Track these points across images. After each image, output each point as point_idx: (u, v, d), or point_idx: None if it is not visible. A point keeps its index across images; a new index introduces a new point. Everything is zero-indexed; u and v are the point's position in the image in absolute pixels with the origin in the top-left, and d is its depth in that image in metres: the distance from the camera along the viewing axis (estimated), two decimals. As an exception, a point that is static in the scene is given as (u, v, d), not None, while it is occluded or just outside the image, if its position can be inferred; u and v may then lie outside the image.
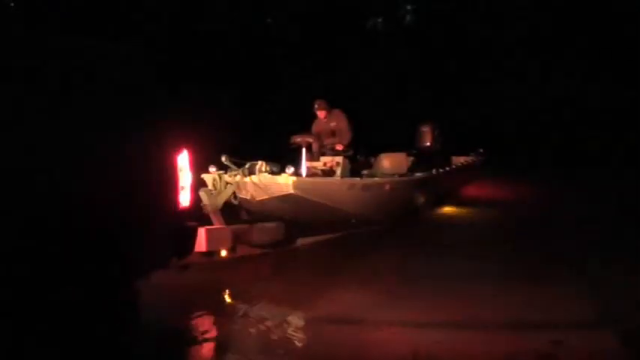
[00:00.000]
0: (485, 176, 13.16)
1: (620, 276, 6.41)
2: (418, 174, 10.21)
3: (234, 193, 7.48)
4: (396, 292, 6.16)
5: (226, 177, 7.86)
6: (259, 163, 8.24)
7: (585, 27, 17.05)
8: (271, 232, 7.78)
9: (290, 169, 8.09)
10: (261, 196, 8.20)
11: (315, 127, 10.07)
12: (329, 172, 8.91)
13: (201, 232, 6.93)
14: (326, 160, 9.20)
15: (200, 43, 15.23)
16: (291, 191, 8.04)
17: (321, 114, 9.98)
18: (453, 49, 17.64)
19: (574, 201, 11.16)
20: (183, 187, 6.63)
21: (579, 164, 14.97)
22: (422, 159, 10.75)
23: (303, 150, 8.86)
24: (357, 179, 9.11)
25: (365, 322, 5.36)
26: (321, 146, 9.63)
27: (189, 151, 6.62)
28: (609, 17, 16.99)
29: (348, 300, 6.00)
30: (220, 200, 7.42)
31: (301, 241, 8.25)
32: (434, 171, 10.67)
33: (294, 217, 8.55)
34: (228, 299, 6.32)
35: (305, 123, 10.15)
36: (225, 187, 7.67)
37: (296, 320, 5.53)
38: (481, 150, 13.41)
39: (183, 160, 6.64)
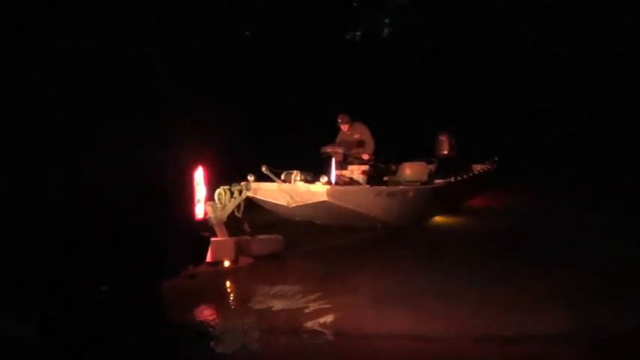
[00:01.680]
0: (498, 184, 13.42)
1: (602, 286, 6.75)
2: (438, 181, 10.99)
3: (238, 206, 7.99)
4: (385, 302, 6.54)
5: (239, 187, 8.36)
6: (294, 172, 9.35)
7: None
8: (272, 244, 8.23)
9: (324, 179, 9.12)
10: (296, 203, 9.23)
11: (339, 139, 11.04)
12: (356, 180, 9.97)
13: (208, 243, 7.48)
14: (353, 169, 10.26)
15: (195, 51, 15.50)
16: (325, 198, 9.06)
17: (344, 127, 11.02)
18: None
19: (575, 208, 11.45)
20: (199, 200, 7.25)
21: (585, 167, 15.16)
22: (441, 167, 11.53)
23: (333, 160, 9.78)
24: (383, 187, 10.10)
25: (353, 331, 5.73)
26: (348, 156, 10.59)
27: (204, 167, 7.26)
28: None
29: (336, 309, 6.42)
30: (225, 213, 7.87)
31: (301, 252, 8.67)
32: (452, 179, 11.34)
33: (326, 221, 9.68)
34: (230, 303, 6.91)
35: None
36: (230, 201, 8.10)
37: (283, 325, 6.01)
38: (495, 158, 13.86)
39: (199, 175, 7.27)
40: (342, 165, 10.39)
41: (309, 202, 9.22)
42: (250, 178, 9.43)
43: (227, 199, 7.71)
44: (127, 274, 5.39)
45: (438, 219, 10.87)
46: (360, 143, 10.81)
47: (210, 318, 6.39)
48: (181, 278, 6.99)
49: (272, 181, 9.61)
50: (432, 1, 18.91)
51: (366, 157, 10.71)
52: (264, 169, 9.49)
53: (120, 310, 5.34)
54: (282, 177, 9.54)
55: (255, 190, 9.65)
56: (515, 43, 17.95)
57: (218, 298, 6.88)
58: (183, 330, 6.00)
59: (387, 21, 19.62)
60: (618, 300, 6.27)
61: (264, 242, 8.09)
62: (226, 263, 7.65)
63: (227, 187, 7.71)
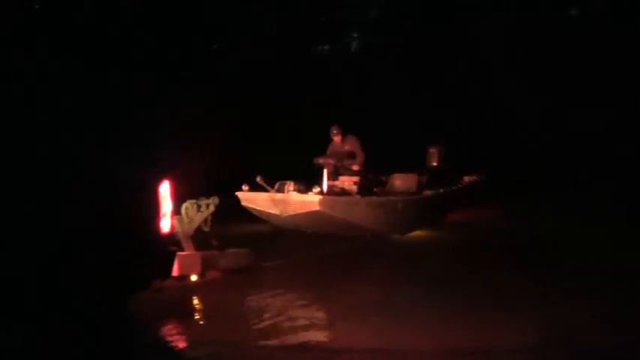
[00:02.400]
0: (486, 197, 13.40)
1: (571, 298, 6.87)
2: (427, 192, 11.20)
3: (205, 220, 8.00)
4: (354, 315, 6.52)
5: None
6: (288, 182, 9.82)
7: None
8: (240, 257, 8.20)
9: (316, 189, 9.55)
10: (289, 213, 9.64)
11: (331, 149, 11.27)
12: (347, 190, 10.29)
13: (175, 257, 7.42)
14: (344, 180, 10.54)
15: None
16: (317, 208, 9.44)
17: (337, 138, 11.24)
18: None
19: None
20: (164, 214, 7.28)
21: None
22: (431, 178, 11.75)
23: (325, 171, 10.20)
24: (374, 198, 10.43)
25: (319, 344, 5.82)
26: (339, 167, 10.83)
27: (170, 181, 7.28)
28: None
29: (304, 322, 6.39)
30: (191, 227, 7.78)
31: (269, 265, 8.67)
32: (441, 190, 11.52)
33: (318, 231, 9.91)
34: (195, 318, 6.83)
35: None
36: (196, 215, 8.10)
37: (248, 340, 5.99)
38: (484, 170, 13.88)
39: (164, 189, 7.31)
40: (333, 176, 10.66)
41: (302, 211, 9.59)
42: (245, 188, 10.20)
43: (194, 212, 7.69)
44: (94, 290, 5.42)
45: (419, 232, 10.91)
46: (351, 155, 11.03)
47: (174, 332, 6.32)
48: (147, 293, 7.07)
49: (266, 191, 10.09)
50: (403, 15, 18.88)
51: (356, 168, 10.91)
52: (258, 179, 10.06)
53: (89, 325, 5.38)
54: (276, 187, 10.02)
55: (250, 200, 10.21)
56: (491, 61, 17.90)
57: (183, 313, 6.80)
58: (148, 345, 5.94)
59: (355, 35, 19.74)
60: (588, 312, 6.41)
61: (233, 256, 8.07)
62: (193, 277, 7.59)
63: (194, 200, 7.68)
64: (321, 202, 9.51)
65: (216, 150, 13.08)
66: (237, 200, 10.30)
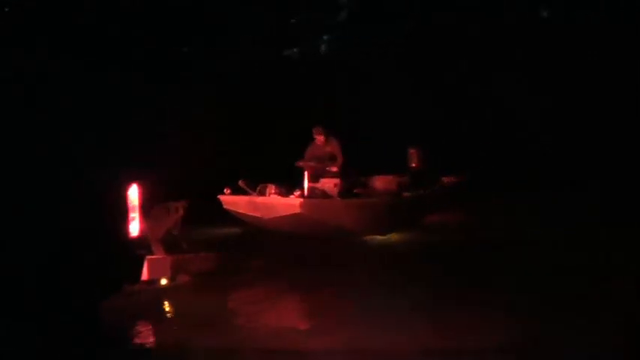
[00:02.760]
0: (466, 199, 13.23)
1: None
2: (406, 194, 11.12)
3: (175, 223, 7.97)
4: (324, 317, 6.63)
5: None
6: (269, 185, 10.06)
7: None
8: (209, 261, 8.22)
9: (297, 192, 9.89)
10: (270, 215, 9.85)
11: (311, 151, 11.20)
12: (328, 193, 10.23)
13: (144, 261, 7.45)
14: (325, 182, 10.43)
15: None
16: (298, 211, 9.70)
17: (320, 138, 11.15)
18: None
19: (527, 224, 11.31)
20: (133, 218, 7.27)
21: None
22: (412, 180, 11.66)
23: (306, 173, 10.28)
24: (354, 199, 10.40)
25: (289, 346, 5.80)
26: (320, 170, 10.82)
27: (139, 184, 7.27)
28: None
29: (273, 325, 6.45)
30: (161, 231, 7.77)
31: (240, 268, 8.62)
32: (421, 191, 11.49)
33: (299, 233, 9.92)
34: (164, 322, 6.76)
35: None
36: (167, 219, 8.02)
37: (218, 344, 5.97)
38: (465, 171, 13.65)
39: (133, 193, 7.29)
40: (314, 178, 10.59)
41: (283, 214, 9.79)
42: (227, 191, 10.32)
43: (164, 216, 7.67)
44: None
45: (394, 235, 10.78)
46: (332, 157, 11.03)
47: (144, 336, 6.32)
48: (117, 297, 7.06)
49: (248, 194, 10.24)
50: (372, 17, 18.70)
51: (334, 169, 10.91)
52: (240, 182, 10.20)
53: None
54: (258, 190, 10.19)
55: (232, 203, 10.34)
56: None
57: (153, 317, 6.75)
58: (119, 350, 5.94)
59: (325, 37, 19.62)
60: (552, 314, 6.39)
61: (203, 259, 8.06)
62: (163, 281, 7.58)
63: (164, 204, 7.67)
64: (301, 205, 9.70)
65: (206, 151, 13.14)
66: (216, 203, 10.30)
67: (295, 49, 18.83)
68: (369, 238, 10.40)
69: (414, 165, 12.14)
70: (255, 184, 10.28)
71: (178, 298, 7.37)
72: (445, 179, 12.77)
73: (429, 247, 10.09)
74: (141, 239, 7.42)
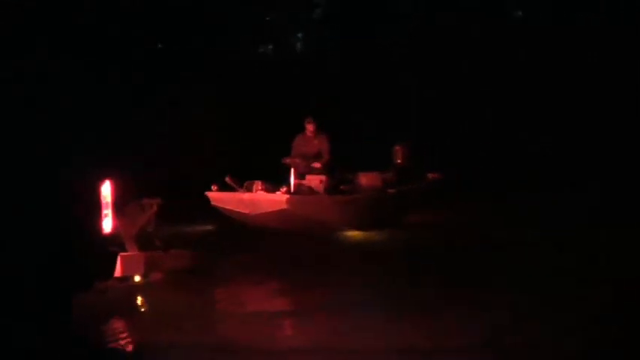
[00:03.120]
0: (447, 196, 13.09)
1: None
2: (391, 190, 11.29)
3: (148, 220, 7.99)
4: (296, 314, 6.73)
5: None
6: (256, 182, 10.21)
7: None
8: (184, 259, 8.22)
9: (284, 188, 10.03)
10: (257, 211, 10.05)
11: (300, 144, 11.34)
12: (314, 189, 10.45)
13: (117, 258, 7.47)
14: (311, 179, 10.65)
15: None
16: (285, 207, 9.88)
17: (310, 128, 11.27)
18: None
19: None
20: (106, 215, 7.28)
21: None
22: (397, 176, 11.84)
23: (292, 170, 10.50)
24: (339, 196, 10.64)
25: (262, 344, 5.74)
26: (306, 166, 10.99)
27: (112, 181, 7.27)
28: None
29: (246, 322, 6.44)
30: (135, 228, 7.80)
31: (213, 266, 8.62)
32: (405, 187, 11.64)
33: (285, 229, 10.05)
34: (136, 319, 6.77)
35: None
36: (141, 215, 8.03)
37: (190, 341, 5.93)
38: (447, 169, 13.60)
39: (106, 190, 7.30)
40: (301, 175, 10.73)
41: (269, 210, 9.99)
42: (214, 188, 10.46)
43: (137, 213, 7.68)
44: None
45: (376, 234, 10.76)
46: (318, 153, 11.15)
47: (117, 334, 6.31)
48: (90, 294, 7.07)
49: (235, 190, 10.41)
50: (347, 14, 18.58)
51: (317, 165, 10.97)
52: (227, 179, 10.35)
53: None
54: (245, 186, 10.35)
55: (219, 200, 10.50)
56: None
57: (125, 314, 6.76)
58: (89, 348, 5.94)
59: (300, 35, 19.61)
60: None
61: (177, 256, 8.06)
62: (136, 278, 7.60)
63: (137, 201, 7.69)
64: (288, 201, 9.90)
65: (199, 150, 13.18)
66: (199, 201, 10.34)
67: (270, 47, 18.83)
68: (346, 234, 10.51)
69: (398, 161, 12.22)
70: (242, 180, 10.39)
71: (151, 296, 7.39)
72: (430, 175, 12.88)
73: (416, 245, 9.96)
74: (114, 236, 7.44)
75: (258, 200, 10.14)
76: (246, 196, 10.20)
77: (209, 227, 10.68)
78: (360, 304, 6.70)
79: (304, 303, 7.17)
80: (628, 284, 7.04)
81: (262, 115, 15.80)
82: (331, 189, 10.57)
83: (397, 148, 12.24)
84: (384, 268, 8.45)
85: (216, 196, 10.49)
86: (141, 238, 7.75)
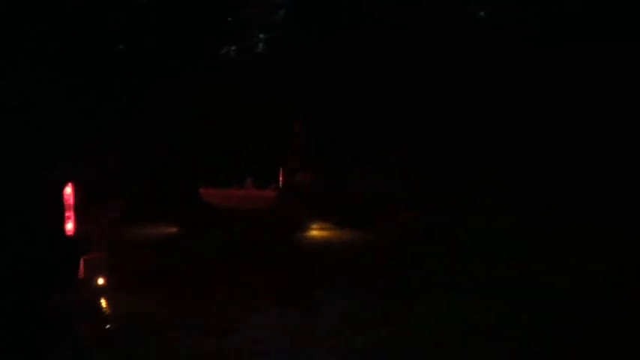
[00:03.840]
0: None
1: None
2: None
3: (112, 222, 7.97)
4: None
5: None
6: (248, 179, 11.29)
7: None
8: (148, 259, 8.26)
9: (273, 185, 11.16)
10: (246, 207, 10.98)
11: (289, 142, 12.19)
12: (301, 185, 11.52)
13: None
14: (300, 175, 11.65)
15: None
16: (272, 202, 11.01)
17: (298, 127, 12.26)
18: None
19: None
20: (69, 217, 7.25)
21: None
22: None
23: (281, 168, 11.41)
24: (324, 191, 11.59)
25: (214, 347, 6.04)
26: (295, 164, 11.82)
27: (74, 184, 7.24)
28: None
29: (205, 324, 6.63)
30: (98, 230, 7.68)
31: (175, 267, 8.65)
32: None
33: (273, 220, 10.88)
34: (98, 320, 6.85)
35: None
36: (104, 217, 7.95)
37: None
38: None
39: (69, 192, 7.27)
40: (290, 173, 11.59)
41: (258, 206, 11.05)
42: (206, 185, 11.37)
43: (101, 215, 7.65)
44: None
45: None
46: (305, 150, 11.99)
47: (78, 336, 6.37)
48: (53, 296, 7.04)
49: (228, 187, 11.42)
50: (310, 16, 18.67)
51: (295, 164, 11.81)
52: (221, 176, 11.38)
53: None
54: (237, 183, 11.36)
55: (212, 195, 11.37)
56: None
57: (87, 316, 6.85)
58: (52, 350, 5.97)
59: (262, 36, 19.73)
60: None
61: (141, 258, 8.08)
62: (100, 281, 7.53)
63: (101, 203, 7.66)
64: (275, 197, 11.17)
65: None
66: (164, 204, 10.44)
67: (233, 48, 18.85)
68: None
69: None
70: (235, 178, 11.41)
71: (115, 298, 7.36)
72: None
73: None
74: (77, 238, 7.40)
75: (248, 196, 11.22)
76: (238, 192, 11.31)
77: (173, 229, 10.67)
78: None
79: (262, 304, 7.33)
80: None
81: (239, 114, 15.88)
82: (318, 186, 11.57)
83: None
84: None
85: (209, 192, 11.43)
86: (104, 239, 7.70)
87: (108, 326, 6.75)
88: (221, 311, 7.10)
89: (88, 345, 6.28)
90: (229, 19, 18.49)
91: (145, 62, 15.62)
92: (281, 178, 11.37)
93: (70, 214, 7.23)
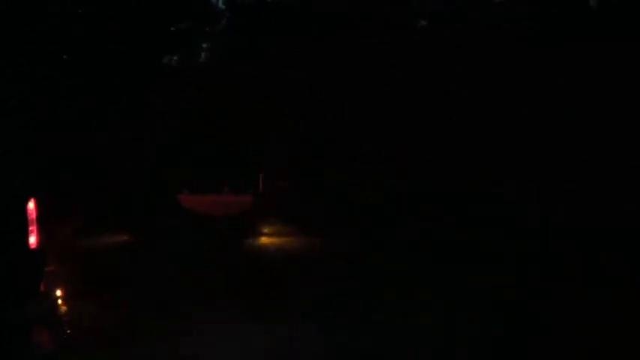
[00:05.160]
0: None
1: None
2: None
3: (71, 234, 8.12)
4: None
5: None
6: (223, 184, 12.60)
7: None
8: (107, 270, 8.36)
9: (249, 191, 12.36)
10: (221, 212, 12.06)
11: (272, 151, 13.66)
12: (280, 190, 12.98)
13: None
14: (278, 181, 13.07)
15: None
16: (249, 206, 12.40)
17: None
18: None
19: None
20: (32, 231, 7.39)
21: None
22: None
23: (260, 176, 12.62)
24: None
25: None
26: (278, 170, 13.32)
27: (35, 198, 7.37)
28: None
29: (170, 334, 6.81)
30: (58, 242, 8.00)
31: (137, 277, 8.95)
32: None
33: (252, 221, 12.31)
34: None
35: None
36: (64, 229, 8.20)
37: None
38: None
39: (32, 207, 7.41)
40: (271, 178, 12.95)
41: (235, 209, 12.11)
42: (185, 191, 12.56)
43: (60, 227, 7.78)
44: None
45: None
46: (287, 158, 13.35)
47: (39, 349, 6.58)
48: (11, 310, 7.12)
49: (207, 193, 12.62)
50: (252, 23, 18.79)
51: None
52: (200, 183, 12.53)
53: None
54: (214, 188, 12.68)
55: (190, 201, 12.45)
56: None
57: (47, 328, 7.11)
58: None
59: (205, 45, 19.90)
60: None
61: (100, 268, 8.21)
62: (58, 292, 7.73)
63: (61, 215, 7.81)
64: (253, 202, 12.48)
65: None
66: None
67: (175, 57, 18.92)
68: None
69: None
70: (211, 183, 12.56)
71: (74, 309, 7.62)
72: None
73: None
74: (38, 251, 7.52)
75: (225, 200, 12.28)
76: (214, 197, 12.46)
77: (132, 238, 10.79)
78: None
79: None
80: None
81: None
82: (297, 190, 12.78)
83: None
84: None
85: (186, 198, 12.48)
86: (64, 251, 7.82)
87: (65, 336, 6.91)
88: (178, 316, 7.43)
89: (47, 354, 6.40)
90: (172, 29, 18.48)
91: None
92: (261, 184, 12.36)
93: (32, 228, 7.36)
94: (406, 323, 7.03)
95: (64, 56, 17.01)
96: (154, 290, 8.44)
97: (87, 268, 8.24)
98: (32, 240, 7.38)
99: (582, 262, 9.90)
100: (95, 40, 16.35)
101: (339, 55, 16.43)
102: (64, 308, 7.59)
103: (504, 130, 15.16)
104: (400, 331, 6.76)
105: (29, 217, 7.31)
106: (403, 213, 13.74)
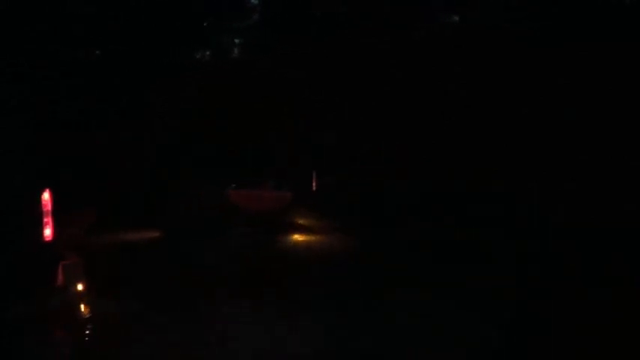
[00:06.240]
0: None
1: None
2: None
3: (87, 227, 8.08)
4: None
5: None
6: (266, 181, 13.57)
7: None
8: (124, 265, 8.32)
9: (289, 187, 13.50)
10: (265, 206, 13.13)
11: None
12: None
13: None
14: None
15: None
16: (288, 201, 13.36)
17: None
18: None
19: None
20: (47, 222, 7.37)
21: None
22: None
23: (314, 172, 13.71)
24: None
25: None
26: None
27: (51, 190, 7.35)
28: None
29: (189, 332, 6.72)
30: (75, 235, 7.95)
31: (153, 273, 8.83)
32: None
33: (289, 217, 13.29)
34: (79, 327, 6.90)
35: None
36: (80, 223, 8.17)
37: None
38: None
39: (47, 198, 7.39)
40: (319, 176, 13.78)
41: (278, 205, 13.21)
42: (233, 185, 13.57)
43: (77, 221, 7.75)
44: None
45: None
46: None
47: (56, 344, 6.51)
48: (31, 303, 7.09)
49: (250, 188, 13.62)
50: (284, 19, 18.84)
51: None
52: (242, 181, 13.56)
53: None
54: (258, 185, 13.61)
55: (237, 195, 13.47)
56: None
57: (65, 323, 6.94)
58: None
59: (237, 41, 19.98)
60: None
61: (117, 263, 8.17)
62: (79, 286, 7.62)
63: (77, 209, 7.78)
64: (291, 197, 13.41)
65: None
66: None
67: (207, 52, 18.93)
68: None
69: None
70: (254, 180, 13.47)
71: (92, 303, 7.47)
72: None
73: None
74: (54, 244, 7.48)
75: (264, 197, 13.27)
76: (257, 193, 13.25)
77: (151, 235, 10.73)
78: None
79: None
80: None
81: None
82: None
83: None
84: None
85: (234, 193, 13.34)
86: (80, 245, 7.79)
87: (87, 332, 6.78)
88: (198, 311, 7.33)
89: (67, 350, 6.37)
90: (205, 24, 18.54)
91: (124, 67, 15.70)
92: (314, 180, 13.61)
93: (47, 219, 7.34)
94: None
95: (97, 52, 16.98)
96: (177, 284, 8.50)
97: (105, 262, 8.14)
98: (47, 232, 7.36)
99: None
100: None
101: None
102: (83, 301, 7.47)
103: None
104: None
105: (44, 209, 7.29)
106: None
